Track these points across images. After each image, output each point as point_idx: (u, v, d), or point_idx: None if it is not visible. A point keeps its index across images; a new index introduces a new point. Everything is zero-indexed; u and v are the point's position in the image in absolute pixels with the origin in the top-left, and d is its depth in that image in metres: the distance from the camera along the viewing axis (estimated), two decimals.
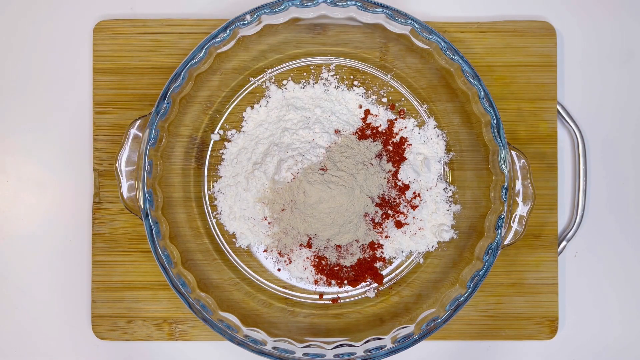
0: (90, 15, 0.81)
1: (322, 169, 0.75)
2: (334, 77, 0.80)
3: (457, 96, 0.78)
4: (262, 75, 0.80)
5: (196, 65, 0.73)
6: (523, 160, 0.73)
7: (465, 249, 0.78)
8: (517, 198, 0.73)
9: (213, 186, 0.79)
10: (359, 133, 0.78)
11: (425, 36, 0.72)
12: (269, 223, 0.78)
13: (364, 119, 0.79)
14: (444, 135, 0.79)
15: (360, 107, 0.79)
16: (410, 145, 0.79)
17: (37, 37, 0.82)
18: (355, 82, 0.80)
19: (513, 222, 0.73)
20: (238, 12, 0.73)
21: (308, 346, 0.74)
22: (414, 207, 0.78)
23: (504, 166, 0.71)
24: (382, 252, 0.79)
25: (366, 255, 0.78)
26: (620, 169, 0.82)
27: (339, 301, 0.79)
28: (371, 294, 0.79)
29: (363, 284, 0.79)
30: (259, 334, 0.74)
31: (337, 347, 0.74)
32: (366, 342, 0.74)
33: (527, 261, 0.80)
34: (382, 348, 0.72)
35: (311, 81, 0.80)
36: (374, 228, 0.78)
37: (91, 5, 0.82)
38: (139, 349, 0.81)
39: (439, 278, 0.79)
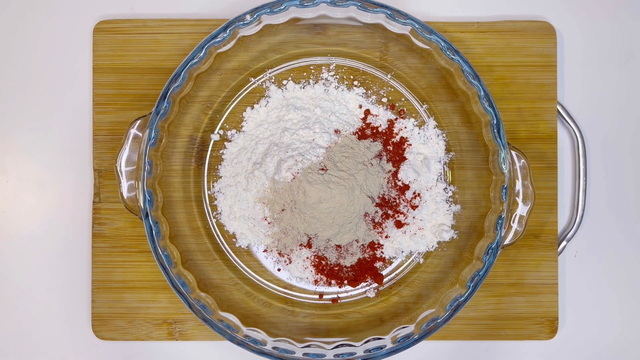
0: (90, 15, 0.81)
1: (322, 169, 0.75)
2: (334, 77, 0.80)
3: (457, 96, 0.78)
4: (262, 75, 0.80)
5: (196, 65, 0.73)
6: (523, 160, 0.73)
7: (465, 249, 0.78)
8: (517, 198, 0.73)
9: (213, 186, 0.79)
10: (359, 133, 0.78)
11: (425, 36, 0.72)
12: (269, 223, 0.78)
13: (364, 119, 0.79)
14: (444, 135, 0.79)
15: (360, 107, 0.79)
16: (410, 145, 0.79)
17: (37, 37, 0.82)
18: (355, 82, 0.80)
19: (513, 222, 0.73)
20: (238, 12, 0.73)
21: (308, 346, 0.74)
22: (414, 207, 0.78)
23: (504, 166, 0.71)
24: (382, 252, 0.79)
25: (366, 255, 0.78)
26: (620, 169, 0.82)
27: (339, 301, 0.79)
28: (371, 294, 0.79)
29: (363, 284, 0.79)
30: (259, 334, 0.74)
31: (337, 347, 0.74)
32: (366, 342, 0.74)
33: (527, 261, 0.80)
34: (382, 348, 0.72)
35: (311, 81, 0.80)
36: (374, 228, 0.78)
37: (91, 5, 0.82)
38: (139, 349, 0.81)
39: (439, 278, 0.79)
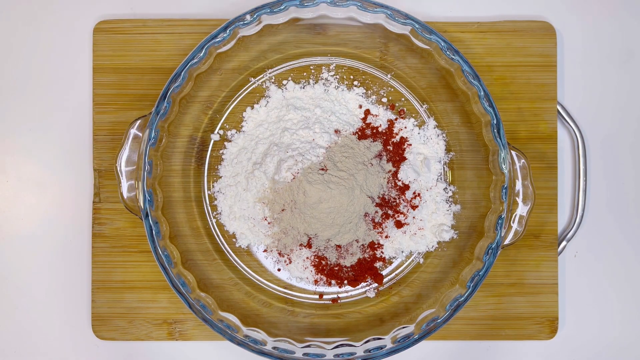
0: (90, 15, 0.81)
1: (322, 169, 0.75)
2: (334, 77, 0.80)
3: (457, 96, 0.78)
4: (262, 75, 0.80)
5: (196, 65, 0.73)
6: (523, 160, 0.73)
7: (465, 249, 0.78)
8: (517, 198, 0.73)
9: (213, 186, 0.79)
10: (359, 133, 0.78)
11: (425, 36, 0.72)
12: (269, 223, 0.78)
13: (364, 119, 0.79)
14: (444, 135, 0.79)
15: (360, 107, 0.79)
16: (410, 145, 0.79)
17: (37, 37, 0.82)
18: (355, 82, 0.80)
19: (513, 222, 0.73)
20: (238, 12, 0.73)
21: (308, 346, 0.74)
22: (414, 207, 0.78)
23: (504, 166, 0.71)
24: (382, 252, 0.79)
25: (366, 255, 0.78)
26: (620, 169, 0.82)
27: (339, 301, 0.79)
28: (371, 294, 0.79)
29: (363, 284, 0.79)
30: (259, 334, 0.74)
31: (337, 347, 0.74)
32: (366, 342, 0.74)
33: (527, 261, 0.80)
34: (382, 348, 0.72)
35: (311, 81, 0.80)
36: (374, 228, 0.78)
37: (91, 5, 0.82)
38: (139, 349, 0.81)
39: (439, 278, 0.79)
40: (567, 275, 0.82)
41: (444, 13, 0.82)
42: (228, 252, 0.80)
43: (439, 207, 0.78)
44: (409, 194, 0.78)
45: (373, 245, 0.78)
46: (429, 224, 0.79)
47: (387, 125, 0.79)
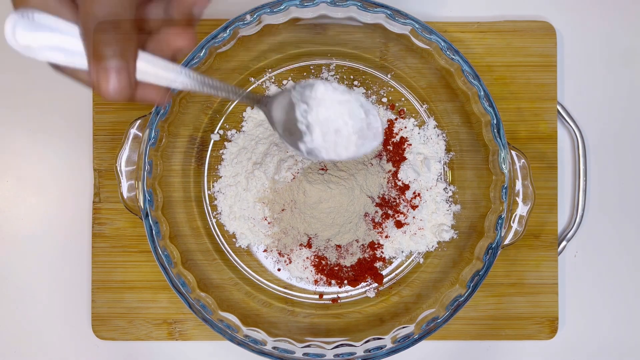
0: None
1: (322, 169, 0.75)
2: (334, 77, 0.80)
3: (457, 96, 0.78)
4: (262, 75, 0.80)
5: (196, 65, 0.73)
6: (523, 160, 0.73)
7: (465, 249, 0.78)
8: (517, 198, 0.73)
9: (213, 186, 0.79)
10: None
11: (425, 36, 0.72)
12: (269, 223, 0.78)
13: None
14: (444, 135, 0.79)
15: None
16: (410, 145, 0.79)
17: None
18: (355, 82, 0.80)
19: (513, 222, 0.73)
20: (238, 12, 0.73)
21: (308, 346, 0.74)
22: (414, 207, 0.78)
23: (504, 166, 0.71)
24: (382, 252, 0.79)
25: (366, 255, 0.78)
26: (620, 169, 0.82)
27: (339, 301, 0.79)
28: (371, 294, 0.79)
29: (363, 284, 0.79)
30: (259, 334, 0.74)
31: (337, 347, 0.74)
32: (366, 342, 0.74)
33: (527, 261, 0.80)
34: (382, 348, 0.72)
35: None
36: (374, 228, 0.78)
37: None
38: (139, 349, 0.81)
39: (439, 278, 0.79)
40: (567, 275, 0.82)
41: (444, 13, 0.82)
42: (228, 252, 0.80)
43: (439, 207, 0.78)
44: (409, 194, 0.78)
45: (373, 245, 0.78)
46: (429, 224, 0.79)
47: (387, 125, 0.79)
